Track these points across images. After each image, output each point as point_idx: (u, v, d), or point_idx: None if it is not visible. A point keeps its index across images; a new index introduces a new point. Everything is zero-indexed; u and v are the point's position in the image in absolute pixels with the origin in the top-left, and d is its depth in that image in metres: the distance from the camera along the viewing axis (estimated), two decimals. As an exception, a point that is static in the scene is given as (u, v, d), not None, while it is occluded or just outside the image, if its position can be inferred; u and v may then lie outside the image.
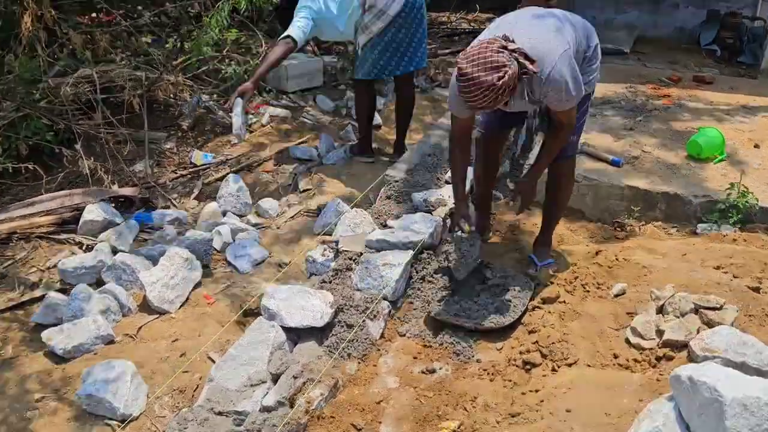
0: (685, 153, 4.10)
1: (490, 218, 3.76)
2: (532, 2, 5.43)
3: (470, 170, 3.42)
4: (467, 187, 3.38)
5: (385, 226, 3.45)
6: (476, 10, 9.01)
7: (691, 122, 4.64)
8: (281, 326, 2.74)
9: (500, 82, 2.38)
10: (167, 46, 5.71)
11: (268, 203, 4.07)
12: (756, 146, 4.22)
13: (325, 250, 3.26)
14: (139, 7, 6.27)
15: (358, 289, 3.00)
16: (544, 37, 2.63)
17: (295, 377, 2.47)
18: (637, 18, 7.57)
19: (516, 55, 2.47)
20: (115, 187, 4.17)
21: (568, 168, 3.20)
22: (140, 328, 3.04)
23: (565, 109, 2.75)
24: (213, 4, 5.24)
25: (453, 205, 3.26)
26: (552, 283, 3.02)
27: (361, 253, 3.14)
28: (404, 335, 2.91)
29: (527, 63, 2.48)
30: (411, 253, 3.12)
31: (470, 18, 8.91)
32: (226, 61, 5.48)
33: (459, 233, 3.09)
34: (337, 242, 3.26)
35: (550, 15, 2.77)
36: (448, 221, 3.59)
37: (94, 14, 5.99)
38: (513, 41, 2.54)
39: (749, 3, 7.04)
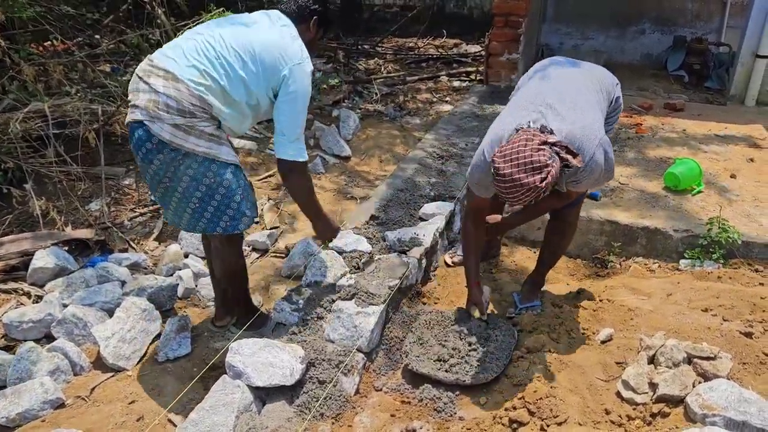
0: (663, 184, 4.02)
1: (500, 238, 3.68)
2: (505, 25, 5.38)
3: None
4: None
5: (357, 268, 3.26)
6: (443, 36, 8.98)
7: (666, 151, 4.59)
8: (248, 385, 2.53)
9: (543, 183, 2.19)
10: (125, 77, 5.47)
11: (233, 244, 3.85)
12: (732, 176, 4.16)
13: (293, 297, 3.05)
14: (97, 36, 6.05)
15: (330, 341, 2.80)
16: (582, 123, 2.45)
17: (263, 446, 2.26)
18: (603, 44, 7.60)
19: (557, 149, 2.27)
20: (68, 229, 3.92)
21: (575, 216, 3.06)
22: (93, 389, 2.79)
23: (582, 189, 2.70)
24: (174, 33, 5.06)
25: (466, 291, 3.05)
26: (536, 329, 2.86)
27: (334, 300, 2.95)
28: (380, 390, 2.72)
29: (570, 158, 2.27)
30: (386, 299, 2.94)
31: (437, 44, 8.86)
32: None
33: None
34: (307, 285, 3.07)
35: (585, 90, 2.59)
36: (424, 261, 3.44)
37: (48, 42, 5.74)
38: (552, 132, 2.37)
39: (714, 29, 7.12)
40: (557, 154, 2.25)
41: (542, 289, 3.30)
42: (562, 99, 2.52)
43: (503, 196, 2.28)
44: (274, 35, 2.61)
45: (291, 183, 2.76)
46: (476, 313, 2.91)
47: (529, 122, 2.42)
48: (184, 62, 2.52)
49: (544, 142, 2.25)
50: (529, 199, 2.24)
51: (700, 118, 5.34)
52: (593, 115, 2.53)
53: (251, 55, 2.55)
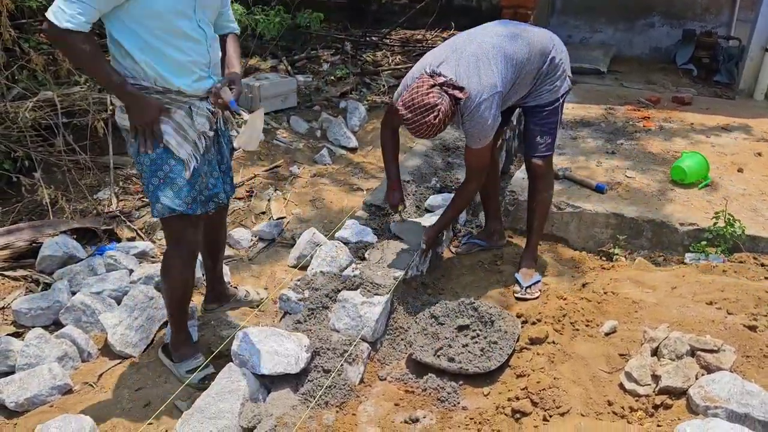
0: (669, 178, 4.01)
1: (501, 221, 3.74)
2: (513, 18, 5.43)
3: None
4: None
5: (363, 259, 3.28)
6: (452, 28, 8.95)
7: (672, 145, 4.57)
8: (253, 373, 2.56)
9: (437, 120, 2.66)
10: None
11: (239, 233, 3.88)
12: (740, 170, 4.15)
13: (298, 286, 3.07)
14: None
15: (335, 330, 2.82)
16: (475, 79, 2.80)
17: (268, 433, 2.28)
18: (611, 37, 7.55)
19: (445, 88, 2.70)
20: (77, 218, 3.95)
21: (542, 169, 3.22)
22: (101, 375, 2.83)
23: (474, 149, 2.96)
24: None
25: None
26: (539, 320, 2.88)
27: (339, 290, 2.97)
28: (384, 379, 2.74)
29: (456, 92, 2.72)
30: (391, 289, 2.95)
31: (446, 35, 8.83)
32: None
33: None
34: (313, 275, 3.08)
35: (493, 55, 2.85)
36: (429, 253, 3.45)
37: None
38: (440, 74, 2.76)
39: (724, 22, 7.07)
40: (445, 92, 2.68)
41: (546, 280, 3.33)
42: (474, 53, 2.84)
43: (413, 134, 2.74)
44: None
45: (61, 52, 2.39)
46: (400, 208, 3.39)
47: (424, 70, 2.82)
48: None
49: (433, 85, 2.69)
50: (434, 132, 2.71)
51: (708, 112, 5.31)
52: (491, 72, 2.82)
53: None
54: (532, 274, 3.31)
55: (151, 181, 2.49)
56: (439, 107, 2.65)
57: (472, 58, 2.83)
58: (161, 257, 3.68)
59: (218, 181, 2.69)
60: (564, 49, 3.12)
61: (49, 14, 2.17)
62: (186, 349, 2.84)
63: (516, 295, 3.25)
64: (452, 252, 3.70)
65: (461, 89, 2.73)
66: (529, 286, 3.25)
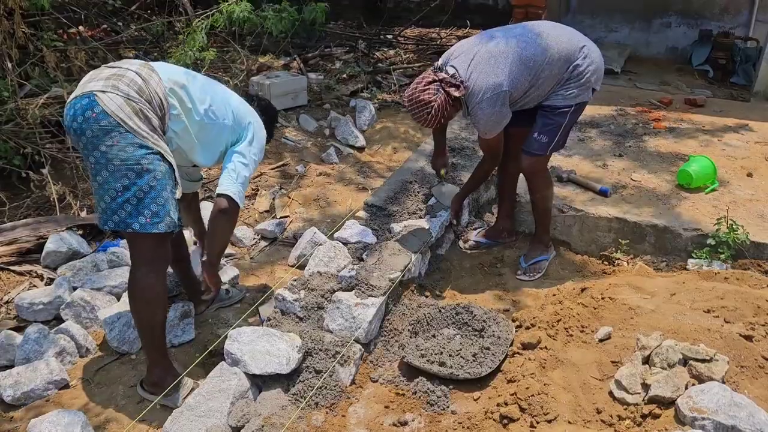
0: (675, 182, 3.96)
1: (513, 222, 3.84)
2: (525, 17, 5.41)
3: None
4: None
5: (361, 259, 3.28)
6: (467, 26, 8.91)
7: (682, 148, 4.51)
8: (245, 373, 2.57)
9: (429, 115, 2.90)
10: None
11: (240, 231, 3.90)
12: (749, 175, 4.08)
13: (294, 286, 3.08)
14: (119, 24, 6.13)
15: (328, 331, 2.83)
16: (483, 77, 2.93)
17: (255, 433, 2.30)
18: (628, 36, 7.46)
19: (443, 84, 2.88)
20: (83, 214, 4.00)
21: (533, 167, 3.30)
22: (98, 370, 2.86)
23: (484, 137, 3.14)
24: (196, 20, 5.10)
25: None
26: (533, 325, 2.86)
27: (334, 291, 2.98)
28: (376, 381, 2.74)
29: (452, 90, 2.89)
30: (386, 291, 2.95)
31: (460, 34, 8.79)
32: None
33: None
34: (310, 275, 3.10)
35: (508, 54, 2.95)
36: (428, 255, 3.45)
37: (73, 30, 5.84)
38: (446, 69, 2.97)
39: (742, 23, 6.94)
40: (443, 88, 2.88)
41: (546, 284, 3.31)
42: (490, 50, 2.97)
43: (417, 123, 3.01)
44: None
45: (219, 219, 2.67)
46: (442, 172, 3.62)
47: (438, 62, 3.07)
48: None
49: (431, 81, 2.89)
50: (431, 124, 2.94)
51: (721, 115, 5.23)
52: (500, 71, 2.93)
53: None
54: (535, 255, 3.45)
55: (162, 194, 2.43)
56: (432, 104, 2.87)
57: (486, 55, 2.95)
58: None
59: None
60: (596, 61, 3.07)
61: (231, 194, 2.59)
62: (172, 378, 2.63)
63: (517, 275, 3.42)
64: (461, 247, 3.72)
65: (458, 87, 2.90)
66: (531, 265, 3.41)
